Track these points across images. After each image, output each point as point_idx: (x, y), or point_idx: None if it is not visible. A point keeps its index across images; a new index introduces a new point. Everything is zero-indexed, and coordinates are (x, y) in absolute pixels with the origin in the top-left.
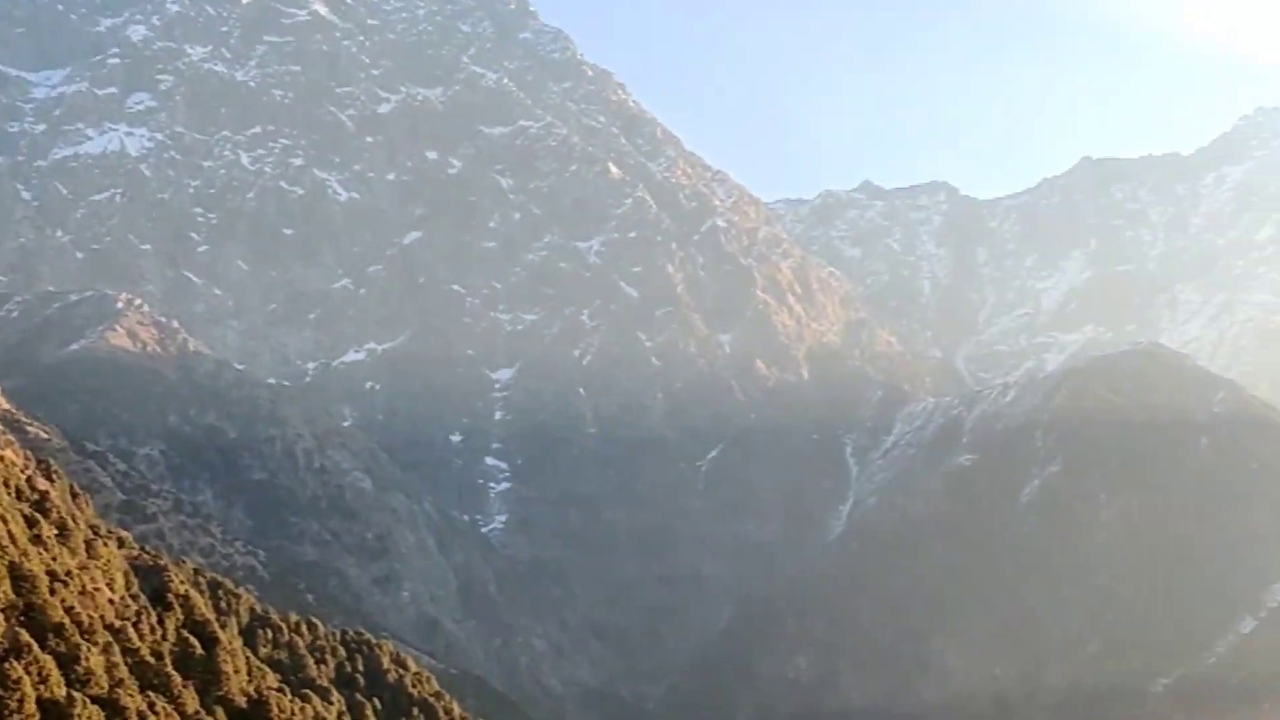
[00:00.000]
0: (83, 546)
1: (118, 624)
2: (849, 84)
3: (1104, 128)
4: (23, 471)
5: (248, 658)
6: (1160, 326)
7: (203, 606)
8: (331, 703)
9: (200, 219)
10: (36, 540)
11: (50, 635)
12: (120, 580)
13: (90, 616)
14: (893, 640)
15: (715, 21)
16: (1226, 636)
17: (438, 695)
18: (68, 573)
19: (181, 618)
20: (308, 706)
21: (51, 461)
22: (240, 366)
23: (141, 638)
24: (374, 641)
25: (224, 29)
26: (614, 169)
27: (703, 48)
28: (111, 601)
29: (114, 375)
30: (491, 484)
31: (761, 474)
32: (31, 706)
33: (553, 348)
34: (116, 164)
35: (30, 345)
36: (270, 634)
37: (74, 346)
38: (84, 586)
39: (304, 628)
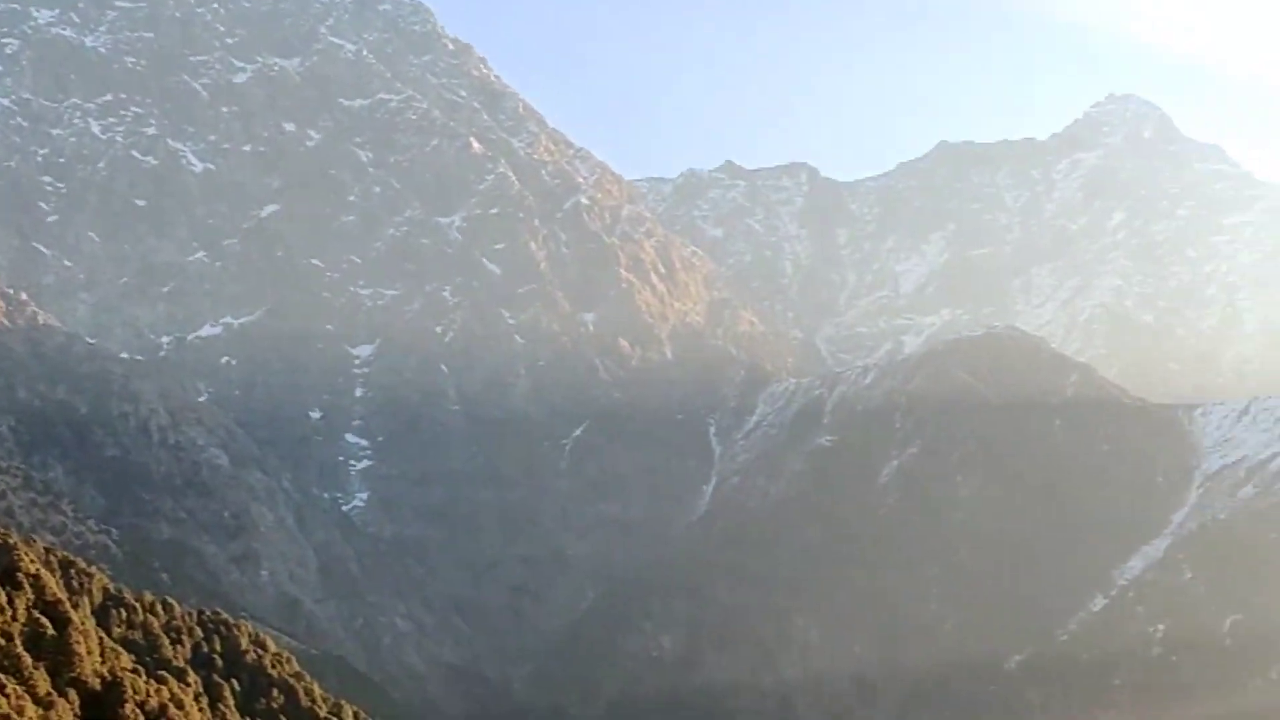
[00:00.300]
0: None
1: None
2: (711, 63)
3: (961, 112)
4: None
5: (101, 638)
6: (1016, 310)
7: (54, 586)
8: (188, 684)
9: (49, 188)
10: None
11: None
12: None
13: None
14: (755, 619)
15: None
16: (1078, 614)
17: (298, 676)
18: None
19: (32, 598)
20: (163, 688)
21: None
22: (91, 340)
23: None
24: (232, 622)
25: None
26: (475, 144)
27: (565, 23)
28: None
29: None
30: (352, 462)
31: (625, 453)
32: None
33: (414, 324)
34: None
35: None
36: (124, 614)
37: None
38: None
39: (159, 608)
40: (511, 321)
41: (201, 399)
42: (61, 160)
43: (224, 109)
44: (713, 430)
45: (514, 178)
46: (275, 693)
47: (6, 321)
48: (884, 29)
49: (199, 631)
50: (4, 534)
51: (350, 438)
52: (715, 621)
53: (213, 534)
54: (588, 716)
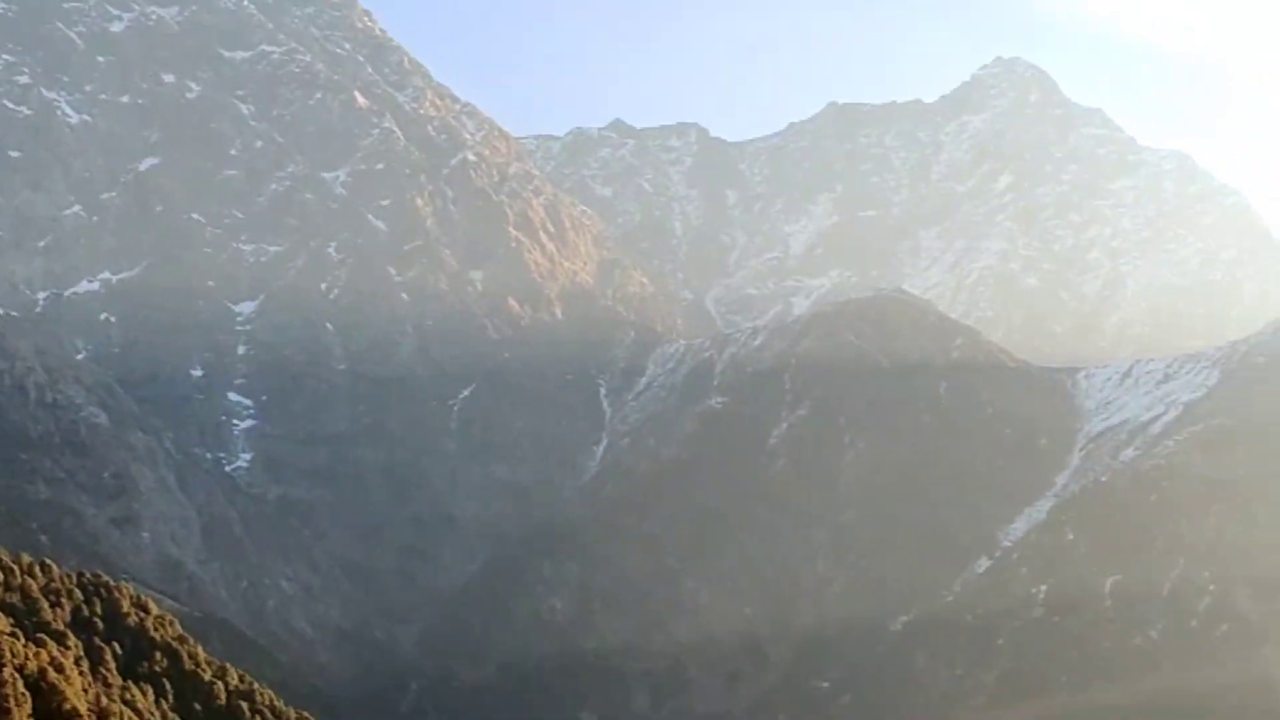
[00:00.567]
0: None
1: None
2: (600, 21)
3: (850, 73)
4: None
5: None
6: (904, 272)
7: None
8: (68, 647)
9: None
10: None
11: None
12: None
13: None
14: (646, 581)
15: None
16: (963, 575)
17: (181, 639)
18: None
19: None
20: (43, 652)
21: None
22: None
23: None
24: (113, 584)
25: None
26: (360, 98)
27: None
28: None
29: None
30: (235, 421)
31: (515, 414)
32: None
33: (298, 281)
34: None
35: None
36: (1, 577)
37: None
38: None
39: (37, 570)
40: (398, 279)
41: (79, 356)
42: None
43: (100, 59)
44: (603, 391)
45: (399, 133)
46: (158, 656)
47: None
48: None
49: (79, 594)
50: None
51: (233, 396)
52: (606, 583)
53: (92, 495)
54: (478, 679)
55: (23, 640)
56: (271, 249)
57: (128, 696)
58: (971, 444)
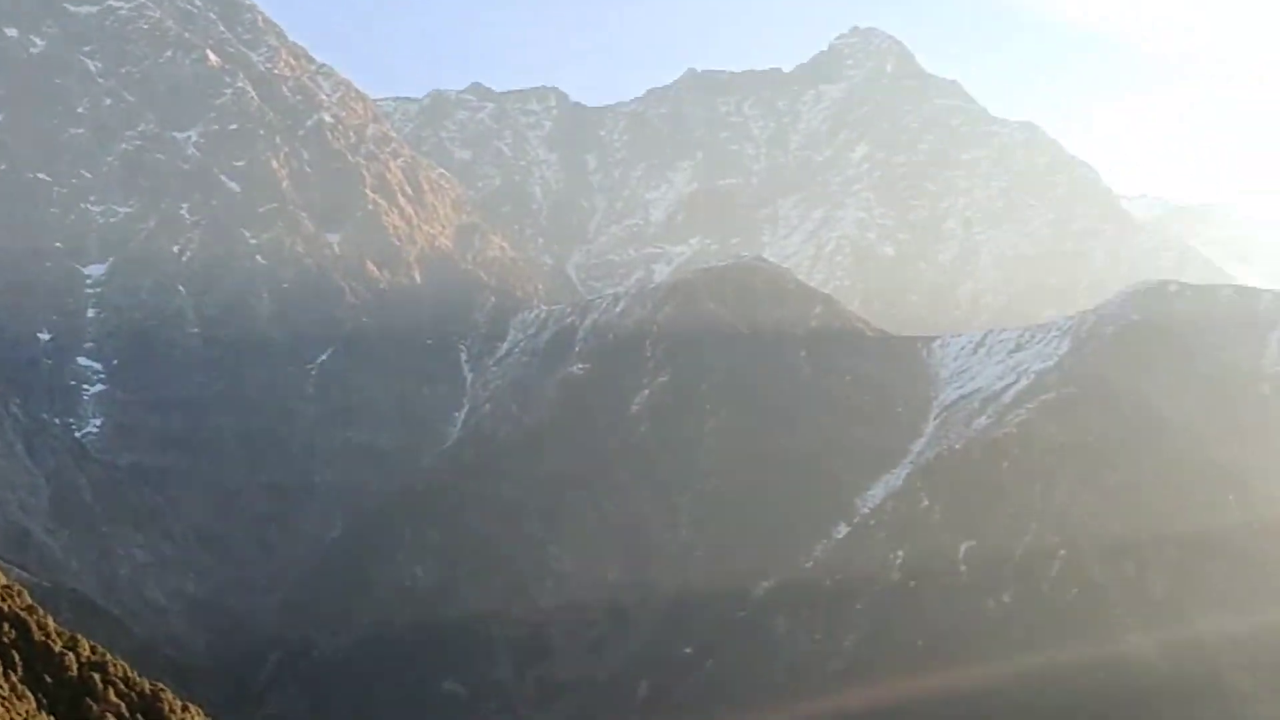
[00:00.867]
0: None
1: None
2: None
3: (709, 40)
4: None
5: None
6: (763, 240)
7: None
8: None
9: None
10: None
11: None
12: None
13: None
14: (509, 547)
15: None
16: (822, 541)
17: (30, 610)
18: None
19: None
20: None
21: None
22: None
23: None
24: None
25: None
26: (212, 57)
27: None
28: None
29: None
30: (85, 386)
31: (374, 379)
32: None
33: (149, 243)
34: None
35: None
36: None
37: None
38: None
39: None
40: (253, 241)
41: None
42: None
43: None
44: (464, 356)
45: (253, 93)
46: (6, 627)
47: None
48: None
49: None
50: None
51: (82, 361)
52: (469, 550)
53: None
54: (339, 648)
55: None
56: (122, 210)
57: None
58: (830, 411)
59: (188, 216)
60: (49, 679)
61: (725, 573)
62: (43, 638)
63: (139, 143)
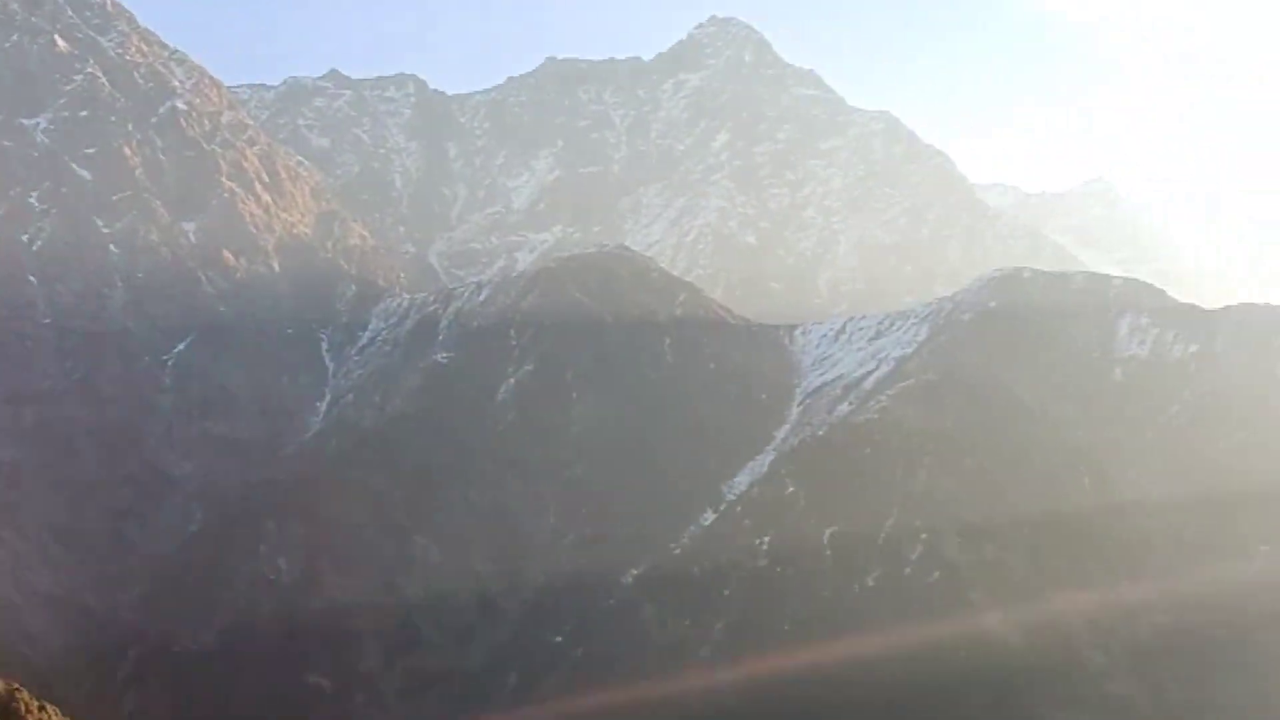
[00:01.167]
0: None
1: None
2: None
3: (568, 28)
4: None
5: None
6: (626, 229)
7: None
8: None
9: None
10: None
11: None
12: None
13: None
14: (375, 538)
15: None
16: (689, 528)
17: None
18: None
19: None
20: None
21: None
22: None
23: None
24: None
25: None
26: (61, 42)
27: None
28: None
29: None
30: None
31: (233, 370)
32: None
33: None
34: None
35: None
36: None
37: None
38: None
39: None
40: (106, 230)
41: None
42: None
43: None
44: (325, 346)
45: (104, 79)
46: None
47: None
48: None
49: None
50: None
51: None
52: (333, 542)
53: None
54: (200, 644)
55: None
56: None
57: None
58: (695, 399)
59: (38, 205)
60: None
61: (594, 561)
62: None
63: None
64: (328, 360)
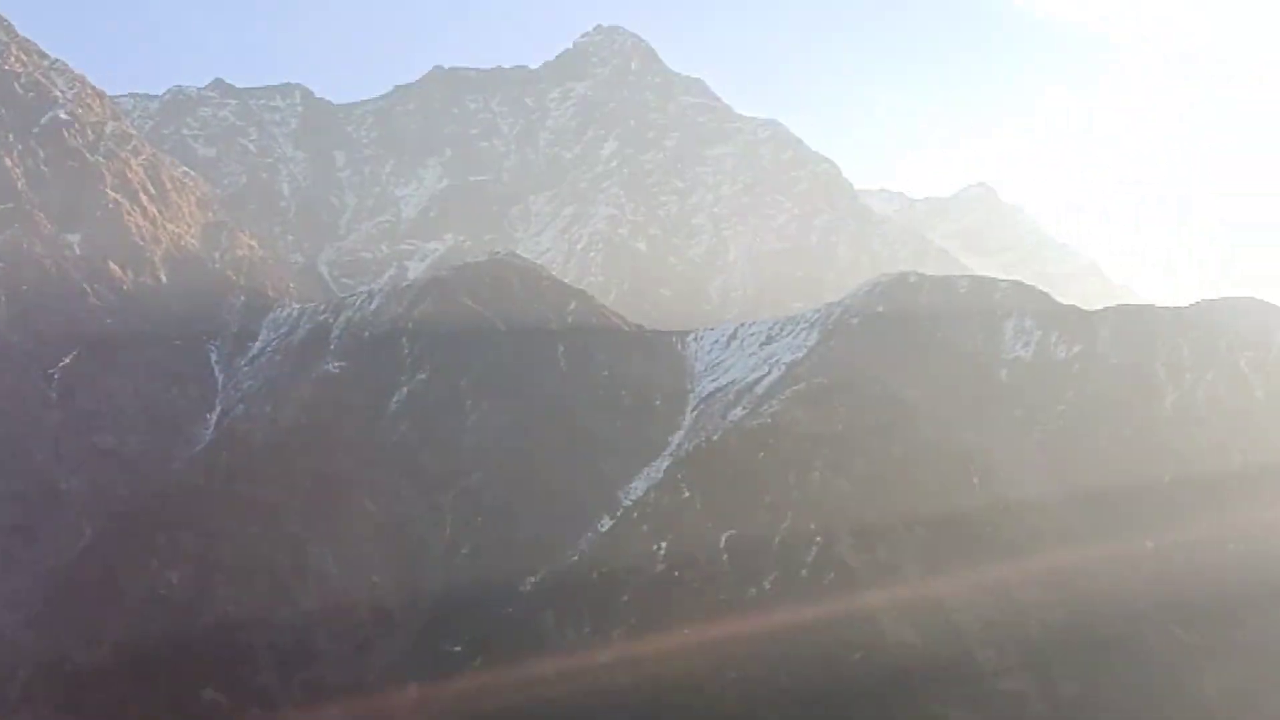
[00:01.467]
0: None
1: None
2: None
3: (453, 37)
4: None
5: None
6: (516, 237)
7: None
8: None
9: None
10: None
11: None
12: None
13: None
14: (269, 550)
15: None
16: (587, 535)
17: None
18: None
19: None
20: None
21: None
22: None
23: None
24: None
25: None
26: None
27: None
28: None
29: None
30: None
31: (121, 382)
32: None
33: None
34: None
35: None
36: None
37: None
38: None
39: None
40: None
41: None
42: None
43: None
44: (214, 357)
45: None
46: None
47: None
48: None
49: None
50: None
51: None
52: (226, 555)
53: None
54: (93, 661)
55: None
56: None
57: None
58: (590, 406)
59: None
60: None
61: (491, 569)
62: None
63: None
64: (217, 371)
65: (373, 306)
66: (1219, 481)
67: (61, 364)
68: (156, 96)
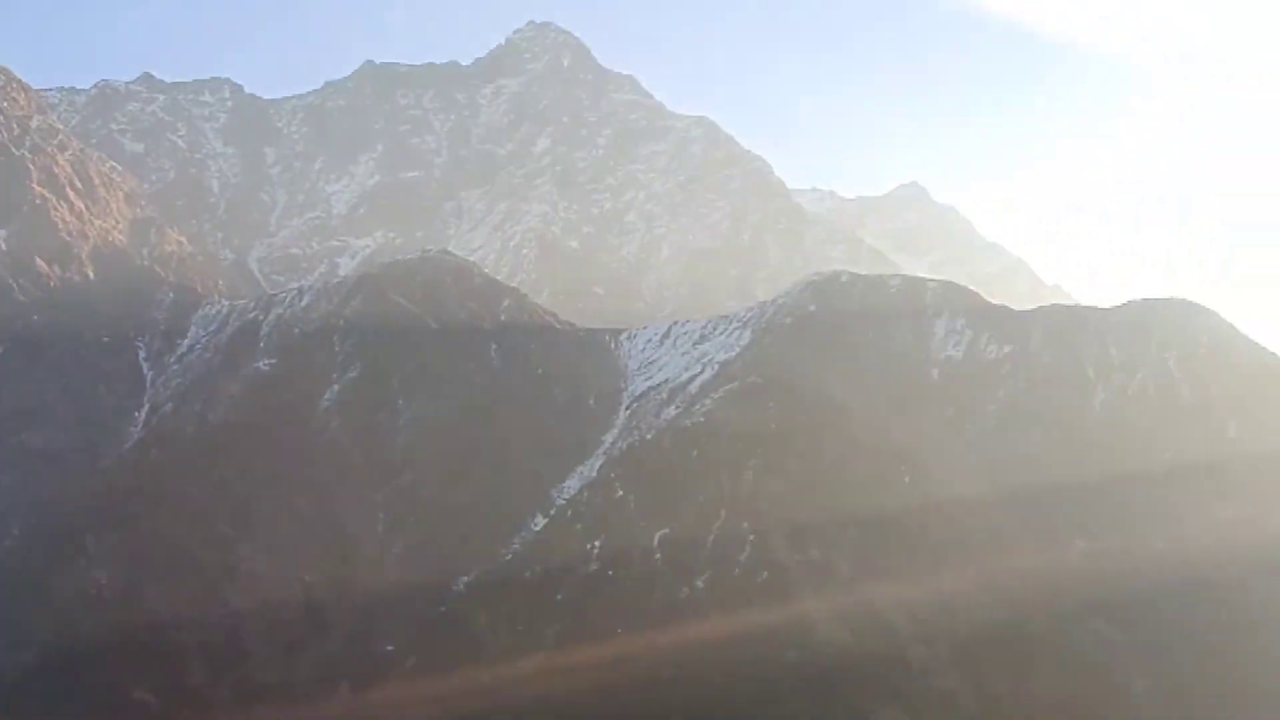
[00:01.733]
0: None
1: None
2: None
3: (385, 33)
4: None
5: None
6: (448, 234)
7: None
8: None
9: None
10: None
11: None
12: None
13: None
14: (198, 549)
15: None
16: (520, 534)
17: None
18: None
19: None
20: None
21: None
22: None
23: None
24: None
25: None
26: None
27: None
28: None
29: None
30: None
31: (48, 380)
32: None
33: None
34: None
35: None
36: None
37: None
38: None
39: None
40: None
41: None
42: None
43: None
44: (143, 354)
45: None
46: None
47: None
48: None
49: None
50: None
51: None
52: (156, 554)
53: None
54: (20, 663)
55: None
56: None
57: None
58: (523, 404)
59: None
60: None
61: (424, 568)
62: None
63: None
64: (146, 369)
65: (303, 304)
66: (1147, 481)
67: None
68: (84, 91)
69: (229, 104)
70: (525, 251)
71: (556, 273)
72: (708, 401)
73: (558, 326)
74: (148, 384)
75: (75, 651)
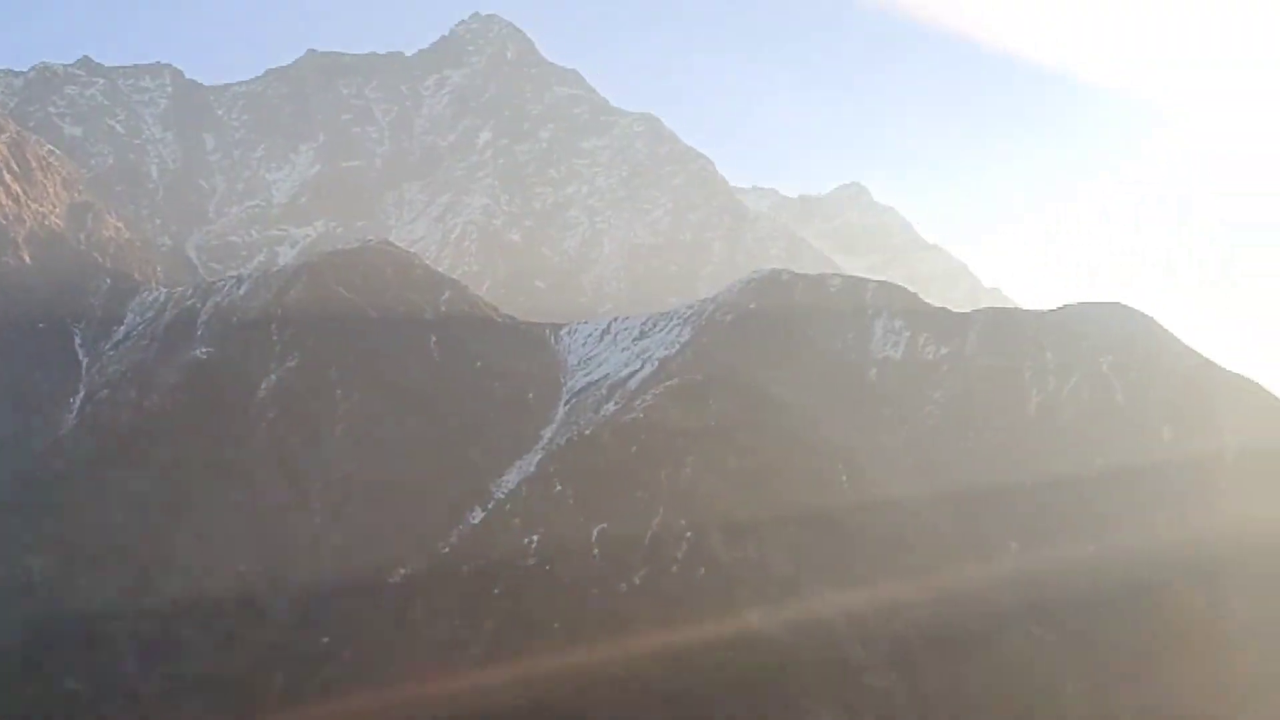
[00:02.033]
0: None
1: None
2: None
3: (329, 21)
4: None
5: None
6: (390, 224)
7: None
8: None
9: None
10: None
11: None
12: None
13: None
14: (133, 538)
15: None
16: (459, 527)
17: None
18: None
19: None
20: None
21: None
22: None
23: None
24: None
25: None
26: None
27: None
28: None
29: None
30: None
31: None
32: None
33: None
34: None
35: None
36: None
37: None
38: None
39: None
40: None
41: None
42: None
43: None
44: (78, 340)
45: None
46: None
47: None
48: None
49: None
50: None
51: None
52: (89, 542)
53: None
54: None
55: None
56: None
57: None
58: (463, 397)
59: None
60: None
61: (361, 560)
62: None
63: None
64: (81, 355)
65: (242, 292)
66: (1081, 483)
67: None
68: (21, 73)
69: (169, 90)
70: (466, 244)
71: (497, 266)
72: (647, 397)
73: (498, 320)
74: (83, 370)
75: (5, 639)
